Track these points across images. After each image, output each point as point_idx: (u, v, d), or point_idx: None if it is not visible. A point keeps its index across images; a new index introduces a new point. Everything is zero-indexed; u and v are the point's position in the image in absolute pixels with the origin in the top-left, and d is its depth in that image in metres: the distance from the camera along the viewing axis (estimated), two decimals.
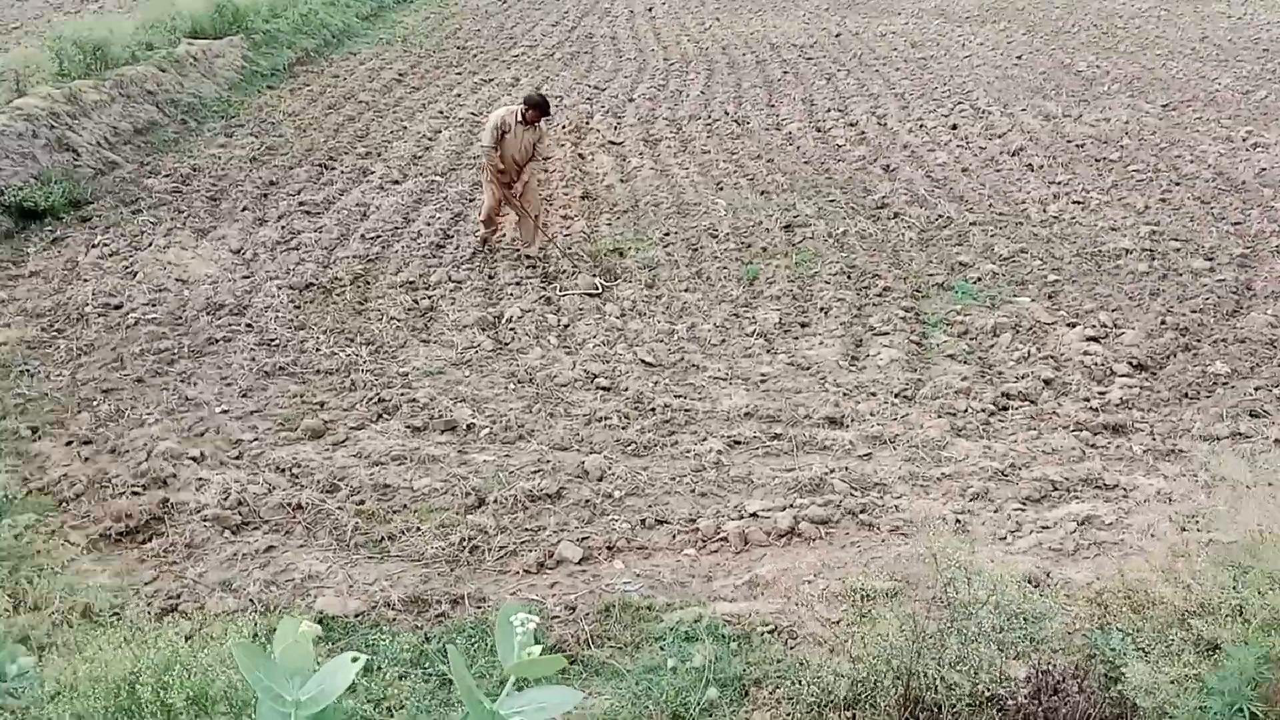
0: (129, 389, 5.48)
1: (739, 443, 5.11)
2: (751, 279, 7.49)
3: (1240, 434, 4.97)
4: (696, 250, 8.07)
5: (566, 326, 6.72)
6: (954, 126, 11.31)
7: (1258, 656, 2.75)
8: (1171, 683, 2.86)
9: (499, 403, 5.58)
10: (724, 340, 6.54)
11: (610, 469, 4.80)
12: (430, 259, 7.82)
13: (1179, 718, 2.76)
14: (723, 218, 8.66)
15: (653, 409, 5.47)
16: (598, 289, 7.21)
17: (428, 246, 7.96)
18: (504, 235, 8.02)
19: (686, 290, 7.32)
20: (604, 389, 5.78)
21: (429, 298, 7.06)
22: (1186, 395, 5.51)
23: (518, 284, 7.30)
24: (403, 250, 7.83)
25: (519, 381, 5.88)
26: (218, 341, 6.17)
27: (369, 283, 7.31)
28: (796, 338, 6.62)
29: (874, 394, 5.70)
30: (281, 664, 1.09)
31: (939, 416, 5.41)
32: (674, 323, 6.77)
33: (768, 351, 6.40)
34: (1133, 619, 3.33)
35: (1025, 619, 3.11)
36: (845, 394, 5.71)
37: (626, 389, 5.74)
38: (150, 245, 7.44)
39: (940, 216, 8.66)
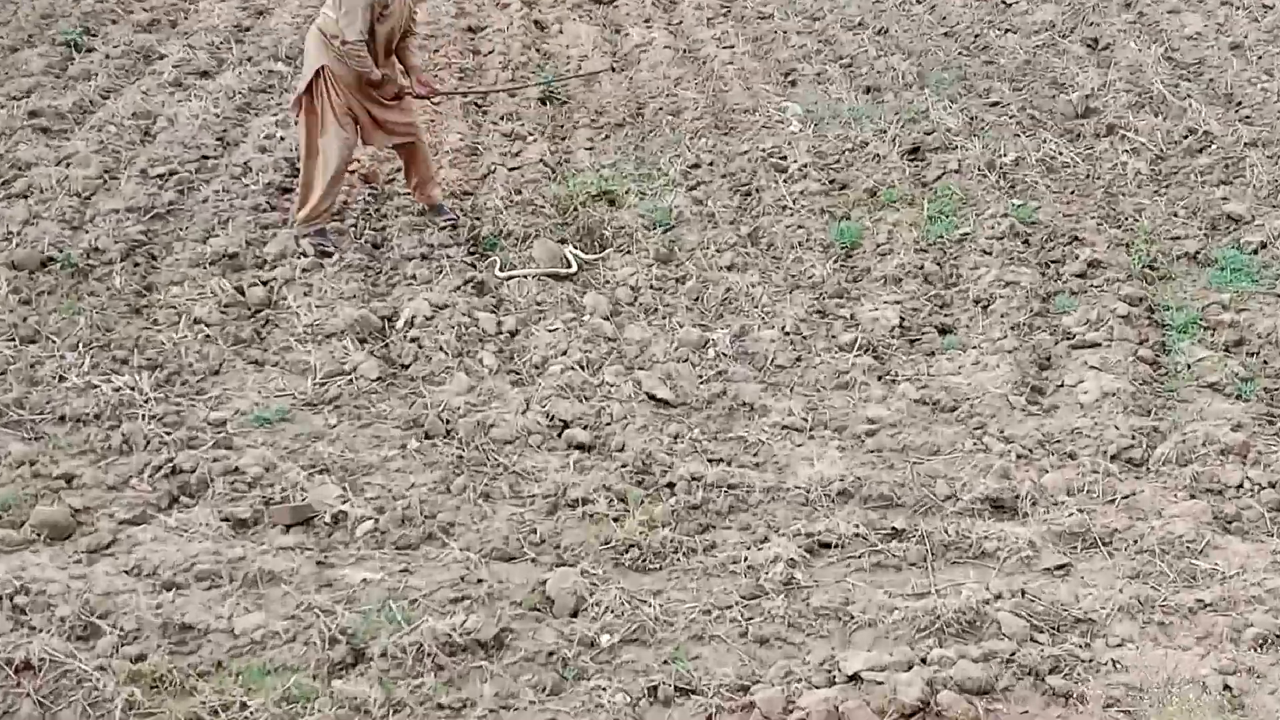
0: None
1: (827, 545, 5.14)
2: (849, 245, 7.51)
3: None
4: (749, 195, 8.06)
5: (514, 334, 6.76)
6: None
7: None
8: None
9: (390, 474, 5.60)
10: (799, 359, 6.59)
11: (593, 595, 4.81)
12: (265, 214, 7.76)
13: None
14: (796, 135, 8.62)
15: (670, 484, 5.51)
16: (569, 265, 7.24)
17: (262, 191, 7.94)
18: (363, 195, 8.08)
19: (731, 268, 7.29)
20: (582, 448, 5.84)
21: (264, 283, 7.05)
22: None
23: (424, 257, 7.26)
24: (217, 199, 7.86)
25: (428, 436, 5.91)
26: None
27: (155, 257, 7.34)
28: (932, 353, 6.66)
29: (1072, 455, 5.71)
30: None
31: (1191, 497, 5.40)
32: (709, 326, 6.83)
33: (879, 378, 6.44)
34: None
35: None
36: (1021, 455, 5.73)
37: (623, 448, 5.79)
38: None
39: (1192, 131, 8.70)
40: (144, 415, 5.89)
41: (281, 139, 8.72)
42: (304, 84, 7.41)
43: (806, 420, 6.08)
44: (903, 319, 6.88)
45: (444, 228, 7.61)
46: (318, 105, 7.38)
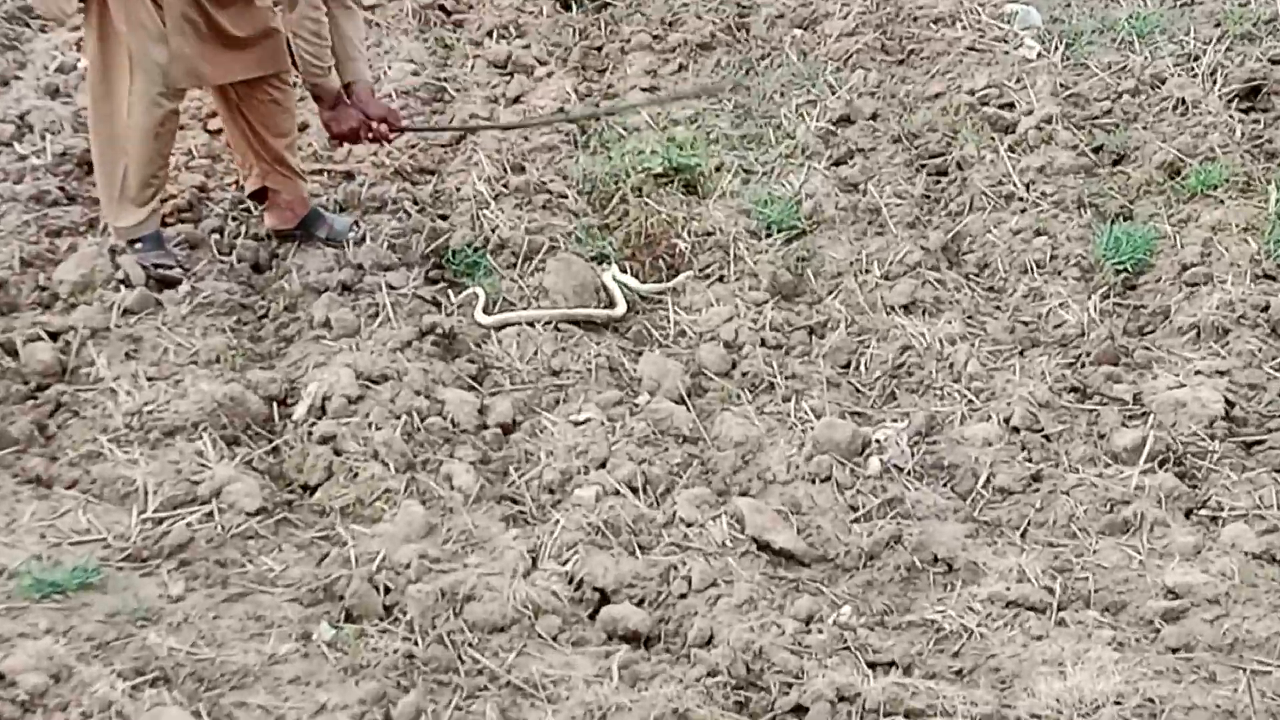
0: None
1: None
2: (1132, 268, 6.45)
3: None
4: (944, 175, 7.08)
5: (510, 430, 5.70)
6: None
7: None
8: None
9: (281, 687, 4.48)
10: (1038, 478, 5.34)
11: None
12: (57, 209, 6.77)
13: None
14: (1032, 65, 7.65)
15: (799, 709, 4.38)
16: (611, 304, 6.34)
17: (50, 168, 7.01)
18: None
19: (910, 308, 6.17)
20: (635, 640, 4.72)
21: (52, 336, 6.05)
22: None
23: (347, 288, 6.27)
24: None
25: (351, 617, 4.79)
26: None
27: None
28: None
29: None
30: None
31: None
32: (869, 416, 5.71)
33: (1188, 514, 5.22)
34: None
35: None
36: None
37: (710, 640, 4.67)
38: None
39: None
40: None
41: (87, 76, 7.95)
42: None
43: (1052, 591, 4.78)
44: (1232, 404, 5.44)
45: (390, 241, 6.42)
46: (100, 23, 6.03)
